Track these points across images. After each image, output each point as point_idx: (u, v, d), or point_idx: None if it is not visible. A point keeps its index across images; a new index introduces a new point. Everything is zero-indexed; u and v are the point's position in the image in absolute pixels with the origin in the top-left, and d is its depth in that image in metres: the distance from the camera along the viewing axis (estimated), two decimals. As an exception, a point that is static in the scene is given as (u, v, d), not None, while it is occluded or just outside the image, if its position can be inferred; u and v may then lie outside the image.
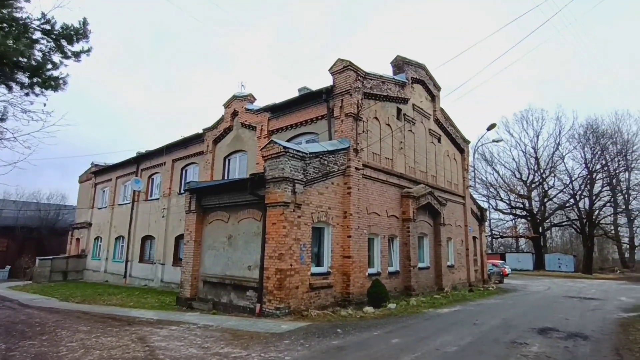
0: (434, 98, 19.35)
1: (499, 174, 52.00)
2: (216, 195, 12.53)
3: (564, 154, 46.69)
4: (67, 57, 8.96)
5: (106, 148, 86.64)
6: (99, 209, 29.77)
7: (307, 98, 14.35)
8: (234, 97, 18.18)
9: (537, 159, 48.68)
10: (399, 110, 16.28)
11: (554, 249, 56.72)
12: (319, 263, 11.79)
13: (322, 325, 8.88)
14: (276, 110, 15.64)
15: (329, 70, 13.54)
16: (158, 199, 22.86)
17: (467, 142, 22.44)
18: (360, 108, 13.30)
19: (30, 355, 6.13)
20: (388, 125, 15.42)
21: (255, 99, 17.89)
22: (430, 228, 17.62)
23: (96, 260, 28.46)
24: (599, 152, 43.62)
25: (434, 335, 7.92)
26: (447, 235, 18.62)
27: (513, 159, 50.96)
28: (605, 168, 43.40)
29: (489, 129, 20.22)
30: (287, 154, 10.38)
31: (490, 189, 51.79)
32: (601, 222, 45.50)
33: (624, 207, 45.86)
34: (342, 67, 13.18)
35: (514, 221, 54.96)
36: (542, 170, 48.22)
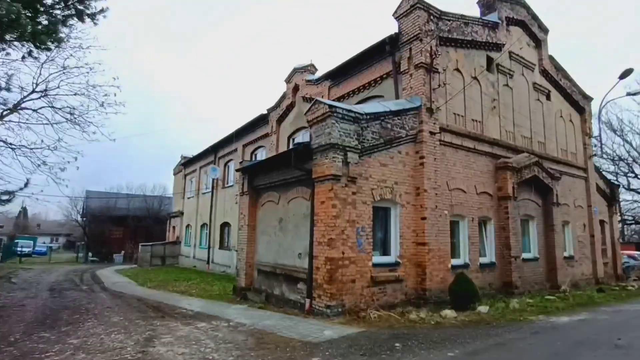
0: (539, 44, 15.15)
1: (631, 145, 41.97)
2: (266, 173, 11.06)
3: None
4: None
5: (199, 142, 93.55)
6: (188, 198, 31.36)
7: (369, 54, 11.94)
8: (295, 71, 16.60)
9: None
10: (489, 60, 12.85)
11: None
12: (384, 251, 9.55)
13: (379, 333, 6.70)
14: (336, 76, 13.55)
15: (393, 14, 10.95)
16: (232, 185, 22.70)
17: (588, 98, 17.44)
18: (434, 57, 10.48)
19: (15, 356, 5.27)
20: (475, 79, 12.19)
21: (316, 69, 16.04)
22: (538, 209, 13.83)
23: (187, 247, 30.09)
24: None
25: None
26: (562, 218, 14.52)
27: (652, 125, 40.54)
28: None
29: (622, 76, 15.11)
30: (335, 114, 8.30)
31: (620, 165, 42.15)
32: None
33: None
34: (409, 7, 10.48)
35: (655, 203, 44.09)
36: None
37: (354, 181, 8.58)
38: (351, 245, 8.35)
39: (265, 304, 9.99)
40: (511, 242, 11.93)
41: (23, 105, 11.11)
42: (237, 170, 12.57)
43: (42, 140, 10.71)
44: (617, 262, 18.11)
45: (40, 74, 10.81)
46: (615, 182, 20.77)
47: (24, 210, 67.84)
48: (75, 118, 10.97)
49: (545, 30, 15.37)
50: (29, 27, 7.18)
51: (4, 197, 9.14)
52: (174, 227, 34.47)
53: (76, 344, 5.75)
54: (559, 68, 15.88)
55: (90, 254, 38.92)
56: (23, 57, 9.12)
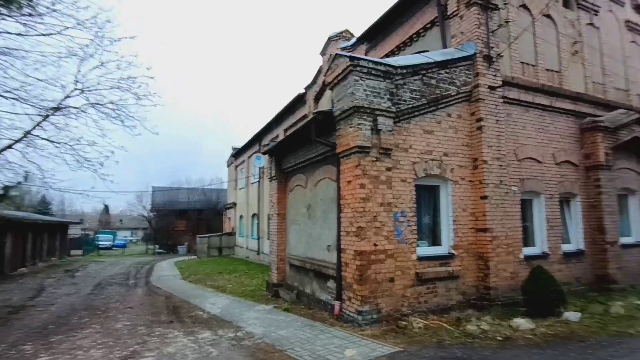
0: (635, -32, 11.73)
1: None
2: (293, 153, 9.63)
3: None
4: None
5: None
6: (240, 189, 31.28)
7: (407, 4, 9.85)
8: (329, 40, 14.86)
9: None
10: (567, -7, 10.02)
11: None
12: (434, 241, 7.65)
13: (422, 355, 4.95)
14: (372, 36, 11.60)
15: (434, -55, 8.75)
16: (276, 173, 21.75)
17: None
18: (490, -10, 8.15)
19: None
20: (548, 17, 9.52)
21: (352, 36, 14.14)
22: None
23: (241, 238, 30.08)
24: None
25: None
26: (677, 190, 11.22)
27: None
28: None
29: None
30: (358, 69, 6.54)
31: None
32: None
33: None
34: None
35: None
36: None
37: (389, 154, 6.78)
38: (387, 235, 6.61)
39: (296, 304, 8.67)
40: (605, 223, 9.27)
41: (65, 102, 10.95)
42: (263, 153, 11.30)
43: (81, 137, 10.36)
44: None
45: (79, 70, 10.44)
46: None
47: (105, 207, 74.66)
48: (115, 111, 10.47)
49: (644, -50, 11.85)
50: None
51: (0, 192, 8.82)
52: (229, 219, 34.86)
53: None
54: (664, -2, 12.24)
55: (157, 246, 41.09)
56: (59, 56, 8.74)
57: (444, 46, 8.70)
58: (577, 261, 9.14)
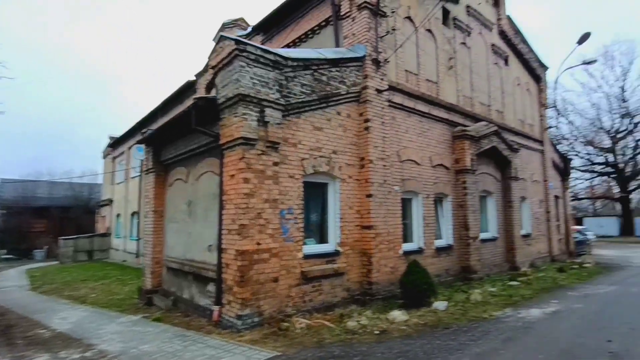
0: (497, 1, 13.66)
1: (573, 125, 43.40)
2: (173, 143, 8.61)
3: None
4: None
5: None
6: (117, 184, 27.69)
7: (303, -2, 9.70)
8: (223, 27, 13.94)
9: (624, 100, 39.47)
10: (445, 13, 11.07)
11: (636, 211, 47.35)
12: (321, 239, 7.57)
13: (300, 356, 4.70)
14: (268, 27, 11.18)
15: (331, -57, 8.73)
16: (161, 167, 19.72)
17: (544, 67, 16.41)
18: (381, -4, 8.45)
19: None
20: (429, 32, 10.36)
21: (248, 25, 13.54)
22: (496, 184, 12.54)
23: (118, 239, 26.64)
24: None
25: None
26: (520, 193, 13.39)
27: (593, 104, 42.05)
28: None
29: (580, 41, 14.09)
30: (245, 54, 6.03)
31: (563, 143, 43.53)
32: None
33: None
34: None
35: (592, 180, 46.31)
36: (631, 117, 39.11)
37: (276, 148, 6.43)
38: (272, 233, 6.24)
39: (171, 311, 7.72)
40: (469, 220, 10.47)
41: None
42: (139, 142, 9.94)
43: None
44: (569, 238, 17.66)
45: None
46: (568, 156, 20.32)
47: None
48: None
49: (503, -13, 13.89)
50: None
51: None
52: (103, 217, 30.64)
53: None
54: (517, 31, 14.57)
55: (4, 251, 33.92)
56: None
57: (337, 45, 8.75)
58: (446, 255, 10.11)
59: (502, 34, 13.78)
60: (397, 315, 6.26)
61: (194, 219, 7.78)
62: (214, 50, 6.43)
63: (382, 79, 8.43)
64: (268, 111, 6.26)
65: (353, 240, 7.77)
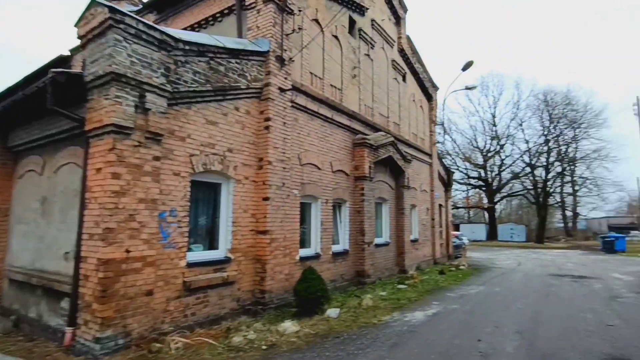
0: (399, 21, 14.56)
1: (455, 143, 49.50)
2: (25, 125, 7.00)
3: (522, 122, 44.80)
4: None
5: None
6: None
7: (206, -20, 8.90)
8: None
9: (494, 125, 46.41)
10: (352, 22, 11.31)
11: (500, 219, 56.17)
12: (211, 244, 6.86)
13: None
14: (162, 6, 10.01)
15: None
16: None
17: (435, 87, 18.09)
18: (288, -8, 8.15)
19: None
20: (336, 37, 10.43)
21: (140, 1, 12.06)
22: (391, 192, 13.24)
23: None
24: (556, 121, 42.48)
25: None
26: (411, 201, 14.39)
27: (471, 126, 48.63)
28: (556, 139, 42.45)
29: (465, 68, 15.94)
30: (122, 27, 5.10)
31: (447, 158, 49.28)
32: (552, 192, 44.77)
33: (569, 177, 45.36)
34: None
35: (467, 192, 53.37)
36: (499, 139, 46.18)
37: (159, 140, 5.57)
38: (148, 238, 5.36)
39: (11, 335, 6.17)
40: (365, 226, 10.74)
41: None
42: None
43: None
44: (449, 243, 19.67)
45: None
46: (451, 170, 22.73)
47: None
48: None
49: (405, 9, 14.89)
50: None
51: None
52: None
53: None
54: (414, 51, 15.73)
55: None
56: None
57: (240, 37, 8.16)
58: (342, 260, 10.19)
59: (402, 52, 14.72)
60: (288, 326, 5.90)
61: (49, 220, 6.37)
62: (82, 17, 5.31)
63: (285, 78, 8.10)
64: (150, 97, 5.39)
65: (246, 246, 7.23)
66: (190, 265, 6.10)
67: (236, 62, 7.08)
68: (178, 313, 5.87)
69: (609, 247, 25.66)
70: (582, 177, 43.75)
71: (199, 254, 6.45)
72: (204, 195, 6.76)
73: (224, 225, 6.94)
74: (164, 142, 5.71)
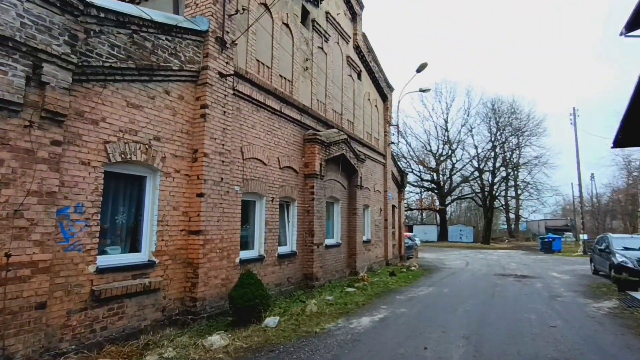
0: (355, 17, 14.23)
1: (410, 146, 50.78)
2: None
3: (472, 128, 46.80)
4: None
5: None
6: None
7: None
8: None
9: (447, 130, 48.11)
10: (305, 12, 10.76)
11: (450, 221, 58.48)
12: (131, 246, 5.97)
13: None
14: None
15: None
16: None
17: (391, 88, 18.02)
18: (232, -31, 7.41)
19: None
20: (287, 26, 9.81)
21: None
22: (343, 191, 12.83)
23: None
24: (502, 129, 44.82)
25: None
26: (364, 201, 14.10)
27: (425, 130, 50.08)
28: (502, 145, 44.84)
29: (419, 70, 15.96)
30: (10, -20, 4.14)
31: (402, 161, 50.40)
32: (497, 195, 47.24)
33: (513, 182, 48.15)
34: None
35: (420, 194, 54.94)
36: (450, 144, 47.94)
37: (60, 122, 4.64)
38: (42, 239, 4.42)
39: None
40: (315, 227, 10.21)
41: None
42: None
43: None
44: (402, 243, 19.70)
45: None
46: (405, 171, 22.90)
47: None
48: None
49: (361, 5, 14.59)
50: None
51: None
52: None
53: None
54: (370, 49, 15.49)
55: None
56: None
57: (176, 13, 7.32)
58: (289, 262, 9.57)
59: (357, 49, 14.41)
60: (216, 339, 5.17)
61: None
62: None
63: (227, 62, 7.35)
64: (48, 68, 4.46)
65: (175, 248, 6.39)
66: (102, 270, 5.20)
67: (167, 39, 6.25)
68: (83, 328, 4.95)
69: (547, 248, 27.20)
70: (524, 182, 46.62)
71: (114, 258, 5.55)
72: (124, 189, 5.88)
73: (148, 224, 6.07)
74: (68, 124, 4.79)
